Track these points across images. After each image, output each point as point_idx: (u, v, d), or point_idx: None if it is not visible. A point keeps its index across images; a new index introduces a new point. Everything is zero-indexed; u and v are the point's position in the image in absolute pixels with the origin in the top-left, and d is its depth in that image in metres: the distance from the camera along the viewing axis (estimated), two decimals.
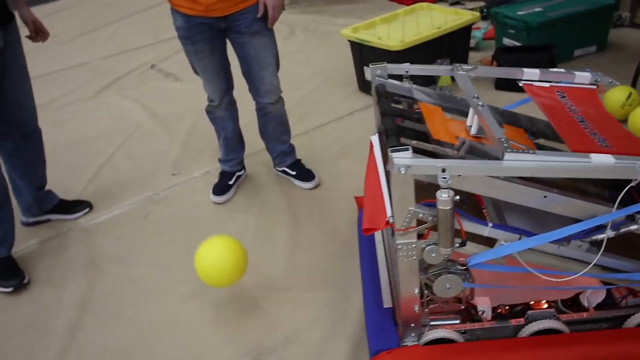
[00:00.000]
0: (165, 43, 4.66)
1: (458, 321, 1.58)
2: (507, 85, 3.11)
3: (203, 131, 3.11)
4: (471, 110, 1.58)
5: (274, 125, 2.48)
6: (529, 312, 1.59)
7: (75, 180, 2.83)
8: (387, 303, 1.66)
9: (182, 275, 2.10)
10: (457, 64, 1.74)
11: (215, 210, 2.50)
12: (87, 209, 2.57)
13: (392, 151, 1.26)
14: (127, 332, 1.92)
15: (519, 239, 1.39)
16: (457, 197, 1.26)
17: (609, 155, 1.30)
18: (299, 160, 2.64)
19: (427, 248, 1.37)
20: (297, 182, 2.59)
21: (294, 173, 2.59)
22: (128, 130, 3.31)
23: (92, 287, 2.13)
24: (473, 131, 1.56)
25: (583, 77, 1.74)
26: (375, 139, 1.80)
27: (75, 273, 2.21)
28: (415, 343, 1.54)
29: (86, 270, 2.22)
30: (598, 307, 1.61)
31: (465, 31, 3.33)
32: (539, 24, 3.28)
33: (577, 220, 1.38)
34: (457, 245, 1.36)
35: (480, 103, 1.48)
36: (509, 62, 3.14)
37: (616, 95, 2.81)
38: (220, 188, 2.57)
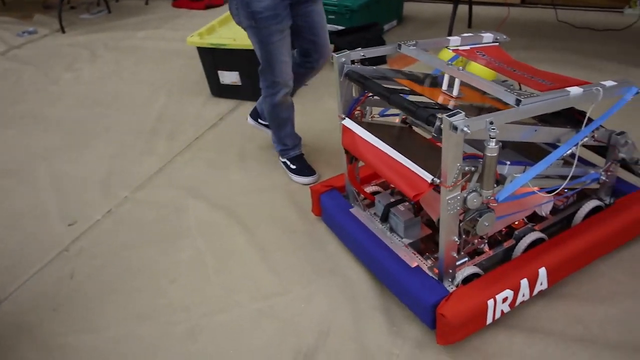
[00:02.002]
0: None
1: (467, 258, 1.84)
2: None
3: (67, 173, 2.83)
4: (446, 76, 1.81)
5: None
6: (515, 232, 1.91)
7: None
8: (412, 263, 1.81)
9: (164, 318, 1.94)
10: (401, 42, 1.95)
11: (152, 244, 2.31)
12: None
13: (449, 116, 1.42)
14: None
15: (524, 170, 1.68)
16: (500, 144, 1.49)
17: (576, 87, 1.66)
18: None
19: (469, 196, 1.57)
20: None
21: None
22: None
23: None
24: (455, 92, 1.79)
25: (488, 37, 2.11)
26: (349, 123, 1.92)
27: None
28: (453, 286, 1.74)
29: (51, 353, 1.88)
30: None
31: None
32: (359, 7, 3.67)
33: (552, 146, 1.73)
34: (495, 186, 1.58)
35: (460, 68, 1.73)
36: (348, 43, 3.46)
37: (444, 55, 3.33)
38: (307, 168, 2.59)
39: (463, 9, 4.01)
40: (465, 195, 1.57)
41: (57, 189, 2.73)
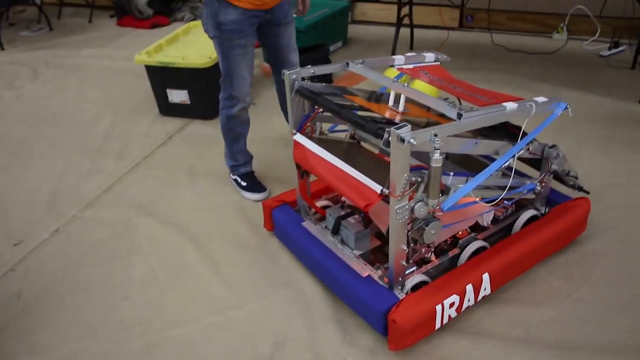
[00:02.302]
0: None
1: (416, 267, 1.92)
2: None
3: (11, 193, 2.77)
4: (392, 93, 1.91)
5: None
6: (460, 241, 2.02)
7: None
8: (364, 273, 1.88)
9: (112, 339, 1.93)
10: (348, 60, 2.04)
11: (103, 262, 2.28)
12: None
13: (397, 129, 1.50)
14: None
15: (467, 181, 1.78)
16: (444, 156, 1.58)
17: (511, 102, 1.79)
18: None
19: (416, 205, 1.65)
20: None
21: None
22: None
23: None
24: (401, 108, 1.88)
25: (430, 57, 2.23)
26: (300, 138, 1.99)
27: None
28: (403, 294, 1.82)
29: None
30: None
31: None
32: (306, 27, 3.77)
33: (489, 159, 1.85)
34: (440, 195, 1.68)
35: (405, 85, 1.83)
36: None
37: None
38: (257, 185, 2.64)
39: (405, 31, 4.18)
40: (412, 204, 1.65)
41: (1, 209, 2.66)
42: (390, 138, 1.52)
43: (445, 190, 1.75)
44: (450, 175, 1.74)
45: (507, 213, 2.18)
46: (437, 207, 1.70)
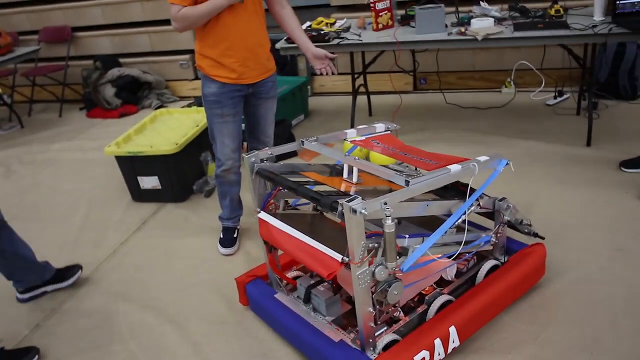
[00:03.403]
0: None
1: (386, 327, 2.01)
2: None
3: None
4: (346, 165, 2.05)
5: None
6: (426, 297, 2.12)
7: None
8: (336, 338, 1.96)
9: None
10: (303, 139, 2.20)
11: (85, 353, 2.31)
12: (79, 272, 2.75)
13: (348, 202, 1.63)
14: None
15: (422, 241, 1.91)
16: (396, 221, 1.71)
17: (455, 165, 1.94)
18: None
19: (376, 269, 1.76)
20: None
21: None
22: None
23: None
24: (355, 179, 2.02)
25: (380, 127, 2.40)
26: (265, 215, 2.11)
27: None
28: (375, 354, 1.89)
29: None
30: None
31: None
32: None
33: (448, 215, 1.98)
34: (398, 258, 1.79)
35: (356, 158, 1.98)
36: None
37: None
38: (229, 241, 2.85)
39: (363, 99, 4.42)
40: (373, 269, 1.76)
41: None
42: (343, 210, 1.65)
43: (403, 252, 1.86)
44: (406, 237, 1.86)
45: (469, 265, 2.30)
46: (397, 269, 1.82)
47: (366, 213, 1.62)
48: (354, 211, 1.62)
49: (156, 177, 3.39)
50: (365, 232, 1.71)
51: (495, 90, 4.71)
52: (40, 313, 2.61)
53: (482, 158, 2.04)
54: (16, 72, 5.70)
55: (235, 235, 2.89)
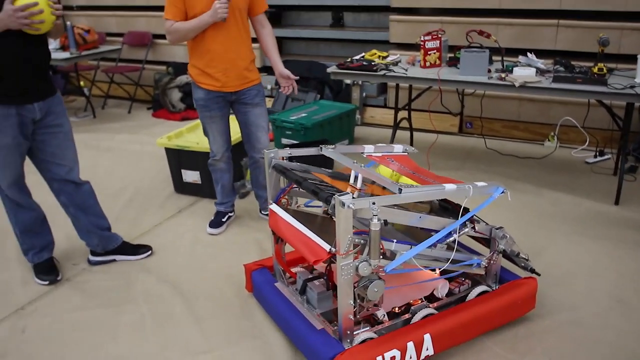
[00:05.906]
0: None
1: (369, 327, 2.15)
2: None
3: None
4: (353, 172, 2.25)
5: (264, 176, 2.86)
6: (412, 307, 2.25)
7: None
8: (318, 327, 2.13)
9: None
10: (321, 145, 2.42)
11: (97, 310, 2.58)
12: (149, 252, 3.03)
13: (339, 196, 1.83)
14: None
15: (410, 248, 2.06)
16: (382, 221, 1.89)
17: (451, 184, 2.10)
18: None
19: (360, 264, 1.93)
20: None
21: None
22: None
23: None
24: (359, 185, 2.21)
25: (398, 148, 2.59)
26: (275, 207, 2.32)
27: None
28: (350, 345, 2.04)
29: None
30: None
31: None
32: (313, 125, 4.22)
33: (436, 231, 2.13)
34: (381, 257, 1.96)
35: (362, 165, 2.17)
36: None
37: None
38: (216, 223, 3.26)
39: (406, 134, 4.60)
40: (357, 264, 1.93)
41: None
42: (334, 203, 1.84)
43: (390, 256, 2.03)
44: (393, 242, 2.02)
45: (462, 288, 2.41)
46: (381, 269, 1.98)
47: (353, 208, 1.81)
48: (343, 204, 1.81)
49: (198, 172, 3.69)
50: (356, 230, 1.90)
51: (538, 143, 4.78)
52: (72, 269, 2.91)
53: (480, 183, 2.18)
54: (98, 69, 6.25)
55: (224, 220, 3.29)
